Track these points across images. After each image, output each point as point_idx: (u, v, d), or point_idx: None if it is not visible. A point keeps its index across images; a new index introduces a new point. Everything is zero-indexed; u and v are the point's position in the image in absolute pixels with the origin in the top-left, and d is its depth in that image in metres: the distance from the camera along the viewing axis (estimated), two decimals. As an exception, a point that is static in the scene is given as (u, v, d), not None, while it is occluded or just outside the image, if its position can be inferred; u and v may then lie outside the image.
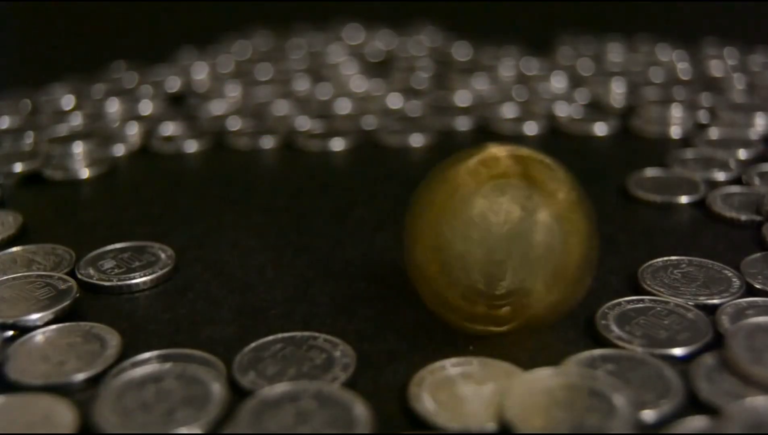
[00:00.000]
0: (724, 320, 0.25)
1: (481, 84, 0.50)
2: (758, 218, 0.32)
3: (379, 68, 0.55)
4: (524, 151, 0.23)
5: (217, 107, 0.47)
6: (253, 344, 0.24)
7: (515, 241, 0.22)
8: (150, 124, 0.45)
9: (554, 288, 0.23)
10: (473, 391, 0.22)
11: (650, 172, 0.37)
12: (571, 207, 0.23)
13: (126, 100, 0.48)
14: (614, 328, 0.24)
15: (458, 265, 0.23)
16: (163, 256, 0.30)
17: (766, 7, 0.70)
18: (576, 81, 0.50)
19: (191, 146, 0.42)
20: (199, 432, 0.21)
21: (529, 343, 0.25)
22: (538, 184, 0.23)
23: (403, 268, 0.27)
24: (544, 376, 0.22)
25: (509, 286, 0.23)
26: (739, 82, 0.49)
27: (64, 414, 0.21)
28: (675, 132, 0.42)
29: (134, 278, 0.28)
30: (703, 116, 0.44)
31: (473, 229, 0.22)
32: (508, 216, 0.22)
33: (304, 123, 0.44)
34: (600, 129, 0.43)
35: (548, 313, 0.24)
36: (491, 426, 0.21)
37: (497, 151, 0.23)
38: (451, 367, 0.23)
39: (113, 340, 0.25)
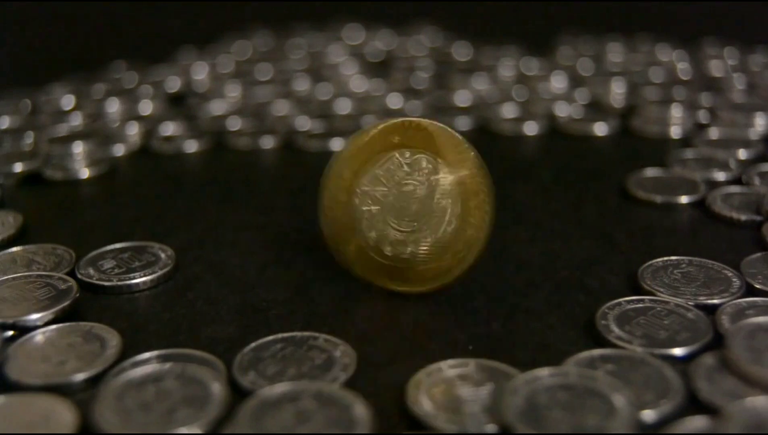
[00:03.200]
0: (724, 320, 0.25)
1: (481, 84, 0.50)
2: (758, 218, 0.32)
3: (379, 68, 0.55)
4: (435, 125, 0.26)
5: (217, 107, 0.47)
6: (253, 344, 0.24)
7: (414, 198, 0.26)
8: (150, 124, 0.45)
9: (446, 246, 0.26)
10: (471, 393, 0.22)
11: (650, 172, 0.37)
12: (472, 177, 0.25)
13: (126, 100, 0.48)
14: (614, 328, 0.24)
15: (361, 216, 0.26)
16: (163, 256, 0.30)
17: (766, 7, 0.70)
18: (576, 81, 0.50)
19: (191, 146, 0.42)
20: (199, 432, 0.21)
21: (529, 343, 0.25)
22: (442, 154, 0.25)
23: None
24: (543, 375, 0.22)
25: (405, 237, 0.26)
26: (739, 82, 0.49)
27: (64, 414, 0.21)
28: (675, 132, 0.42)
29: (134, 278, 0.28)
30: (703, 116, 0.44)
31: (377, 183, 0.26)
32: (409, 176, 0.26)
33: (304, 123, 0.44)
34: (600, 129, 0.43)
35: (440, 269, 0.26)
36: (489, 428, 0.21)
37: (411, 121, 0.26)
38: (448, 368, 0.23)
39: (113, 340, 0.25)
